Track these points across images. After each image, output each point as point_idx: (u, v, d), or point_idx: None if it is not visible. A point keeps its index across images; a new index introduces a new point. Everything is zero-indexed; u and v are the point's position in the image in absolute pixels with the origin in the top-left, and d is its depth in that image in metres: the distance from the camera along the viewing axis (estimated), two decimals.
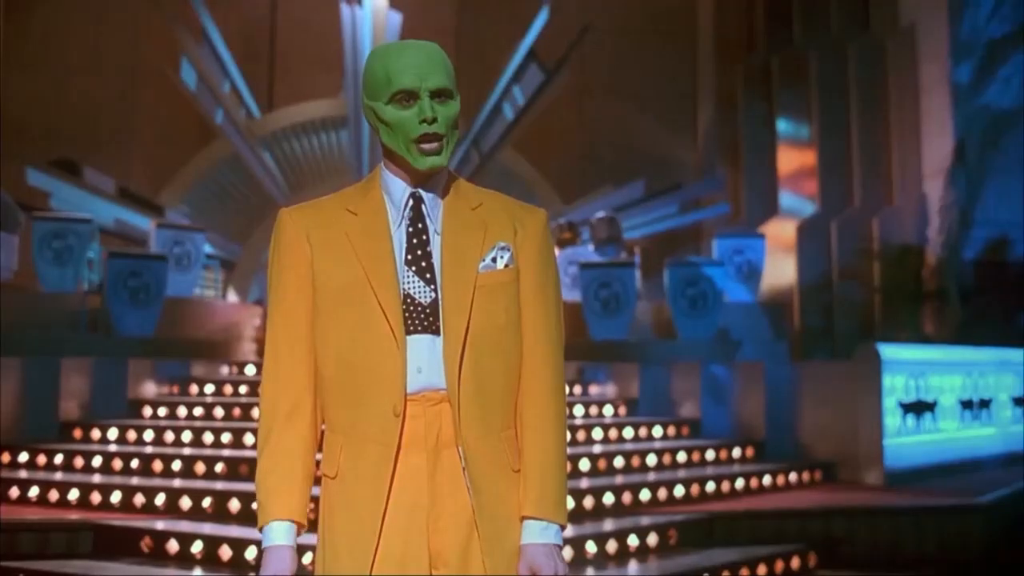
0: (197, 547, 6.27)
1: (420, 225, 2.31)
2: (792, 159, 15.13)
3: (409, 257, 2.30)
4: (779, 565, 6.95)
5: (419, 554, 2.24)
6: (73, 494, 7.24)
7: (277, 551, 2.28)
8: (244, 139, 13.61)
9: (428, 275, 2.29)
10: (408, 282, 2.29)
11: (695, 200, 15.02)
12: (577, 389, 9.78)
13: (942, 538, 7.76)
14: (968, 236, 13.92)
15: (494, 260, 2.31)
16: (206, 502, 6.91)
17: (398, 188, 2.32)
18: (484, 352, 2.28)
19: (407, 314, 2.27)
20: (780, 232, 14.14)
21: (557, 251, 11.70)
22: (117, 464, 7.78)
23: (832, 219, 14.27)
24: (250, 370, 10.08)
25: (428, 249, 2.30)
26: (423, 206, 2.32)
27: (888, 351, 9.27)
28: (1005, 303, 13.69)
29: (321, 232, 2.31)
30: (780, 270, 13.73)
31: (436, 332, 2.27)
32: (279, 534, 2.29)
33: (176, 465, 7.63)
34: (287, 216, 2.36)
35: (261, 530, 2.30)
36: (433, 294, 2.28)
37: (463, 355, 2.26)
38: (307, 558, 5.89)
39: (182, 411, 8.91)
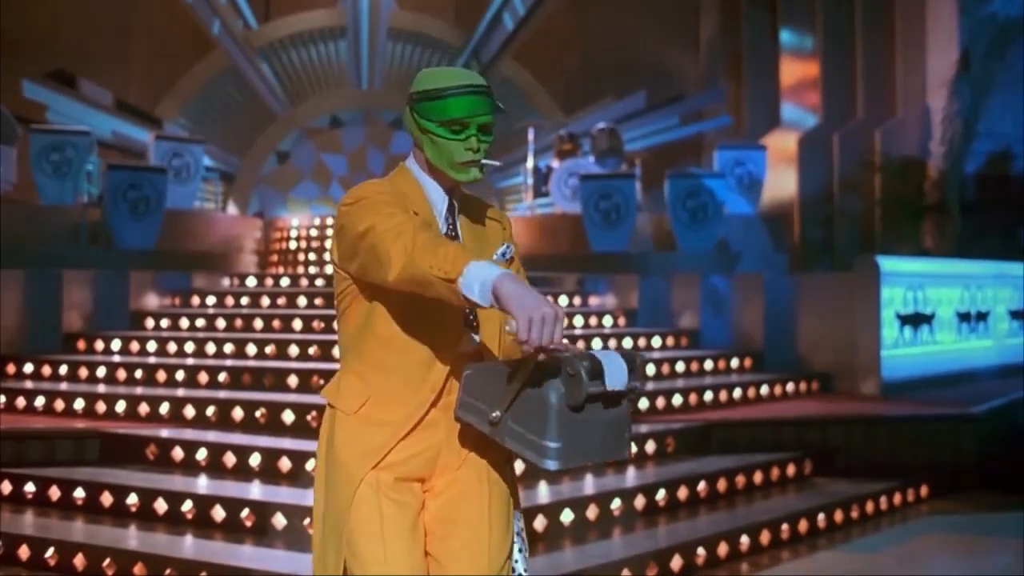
0: (201, 454, 6.37)
1: (456, 230, 2.61)
2: (795, 70, 14.97)
3: None
4: (775, 472, 7.04)
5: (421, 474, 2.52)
6: (79, 403, 7.33)
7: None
8: (242, 50, 13.46)
9: None
10: None
11: (696, 111, 14.88)
12: (577, 300, 9.81)
13: (936, 447, 7.87)
14: (970, 149, 13.84)
15: (503, 255, 2.60)
16: (210, 411, 6.99)
17: (435, 191, 2.62)
18: None
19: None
20: (781, 144, 14.05)
21: (557, 162, 11.70)
22: (121, 374, 7.88)
23: (834, 131, 14.17)
24: (251, 282, 10.12)
25: None
26: (455, 209, 2.63)
27: (887, 263, 9.29)
28: (1005, 217, 13.67)
29: None
30: (781, 182, 13.67)
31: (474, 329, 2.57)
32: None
33: (179, 375, 7.71)
34: (375, 185, 2.54)
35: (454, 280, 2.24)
36: None
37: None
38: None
39: (184, 322, 8.97)
